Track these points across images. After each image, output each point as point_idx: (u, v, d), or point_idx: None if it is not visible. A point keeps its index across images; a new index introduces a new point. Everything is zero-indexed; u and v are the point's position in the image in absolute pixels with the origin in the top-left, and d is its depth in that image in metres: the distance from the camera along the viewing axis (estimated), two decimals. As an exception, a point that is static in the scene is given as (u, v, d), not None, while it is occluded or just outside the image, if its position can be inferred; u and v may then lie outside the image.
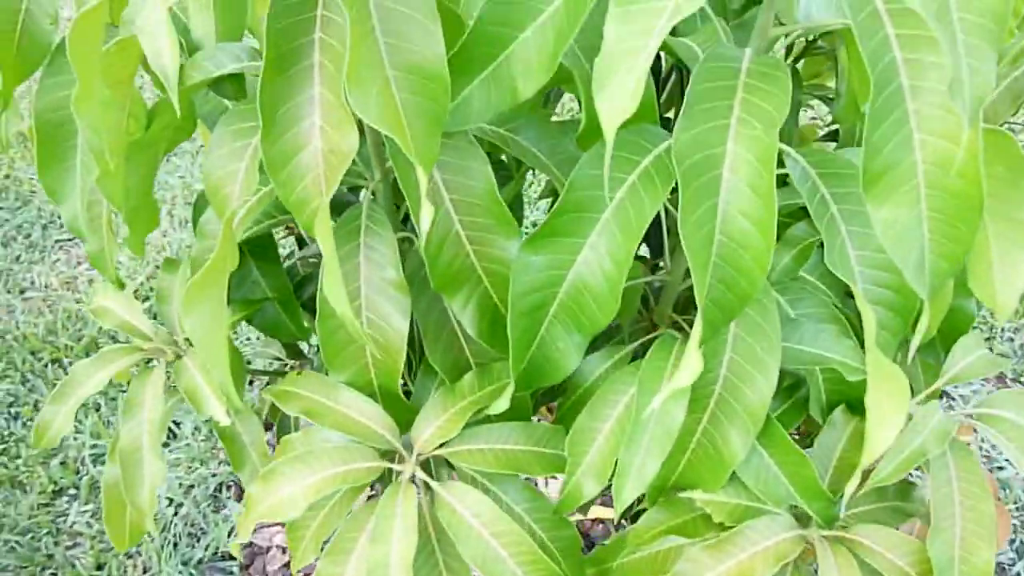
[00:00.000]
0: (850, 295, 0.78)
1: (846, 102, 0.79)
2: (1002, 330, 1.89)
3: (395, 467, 0.69)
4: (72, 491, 1.61)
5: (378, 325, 0.66)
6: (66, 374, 0.81)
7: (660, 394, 0.59)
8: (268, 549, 1.53)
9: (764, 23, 0.57)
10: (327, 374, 0.71)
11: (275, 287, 0.81)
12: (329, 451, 0.69)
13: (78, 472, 1.64)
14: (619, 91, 0.43)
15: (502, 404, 0.66)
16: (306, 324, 0.85)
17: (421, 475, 0.69)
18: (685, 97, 0.52)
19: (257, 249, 0.80)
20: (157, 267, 1.92)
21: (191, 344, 0.82)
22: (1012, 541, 1.55)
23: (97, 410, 1.73)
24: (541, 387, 0.65)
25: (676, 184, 0.53)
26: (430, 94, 0.49)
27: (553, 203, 0.60)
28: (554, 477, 0.90)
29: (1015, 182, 0.56)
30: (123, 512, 0.82)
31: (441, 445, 0.71)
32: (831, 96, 0.97)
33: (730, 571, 0.68)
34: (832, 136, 1.05)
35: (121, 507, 0.82)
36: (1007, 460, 1.64)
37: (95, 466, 1.64)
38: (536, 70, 0.53)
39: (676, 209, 0.53)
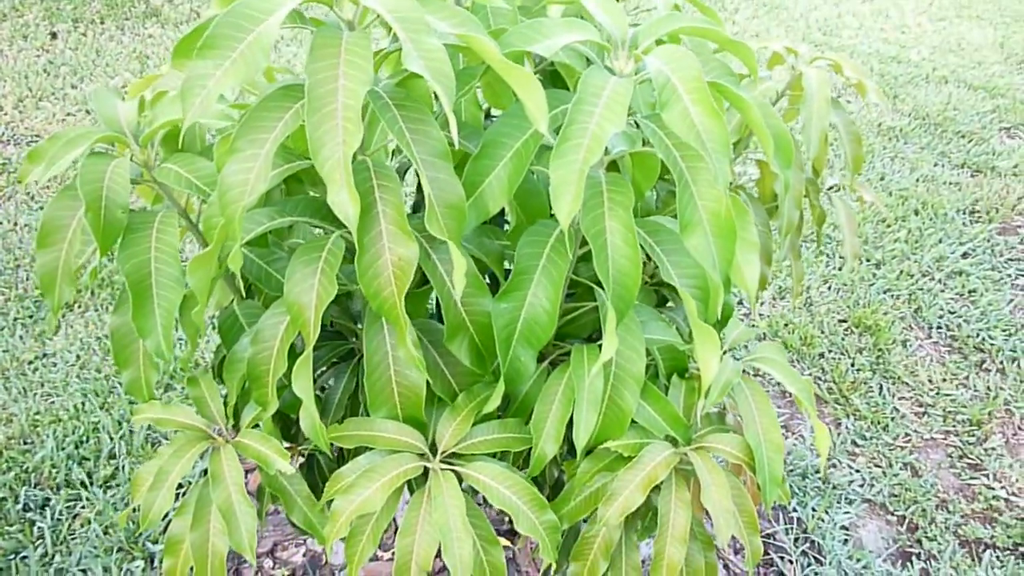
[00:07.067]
0: (662, 305, 1.28)
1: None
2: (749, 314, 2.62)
3: (429, 464, 1.04)
4: None
5: (404, 375, 1.02)
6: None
7: (594, 367, 1.01)
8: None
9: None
10: (367, 415, 1.05)
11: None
12: (382, 464, 1.02)
13: None
14: (566, 203, 0.85)
15: (494, 403, 1.04)
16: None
17: (446, 466, 1.05)
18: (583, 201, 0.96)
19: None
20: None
21: (238, 429, 1.11)
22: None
23: None
24: (516, 386, 1.05)
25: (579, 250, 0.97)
26: (458, 218, 0.89)
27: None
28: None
29: (741, 217, 1.06)
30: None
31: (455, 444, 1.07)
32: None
33: (642, 480, 1.10)
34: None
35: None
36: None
37: None
38: (498, 196, 0.95)
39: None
